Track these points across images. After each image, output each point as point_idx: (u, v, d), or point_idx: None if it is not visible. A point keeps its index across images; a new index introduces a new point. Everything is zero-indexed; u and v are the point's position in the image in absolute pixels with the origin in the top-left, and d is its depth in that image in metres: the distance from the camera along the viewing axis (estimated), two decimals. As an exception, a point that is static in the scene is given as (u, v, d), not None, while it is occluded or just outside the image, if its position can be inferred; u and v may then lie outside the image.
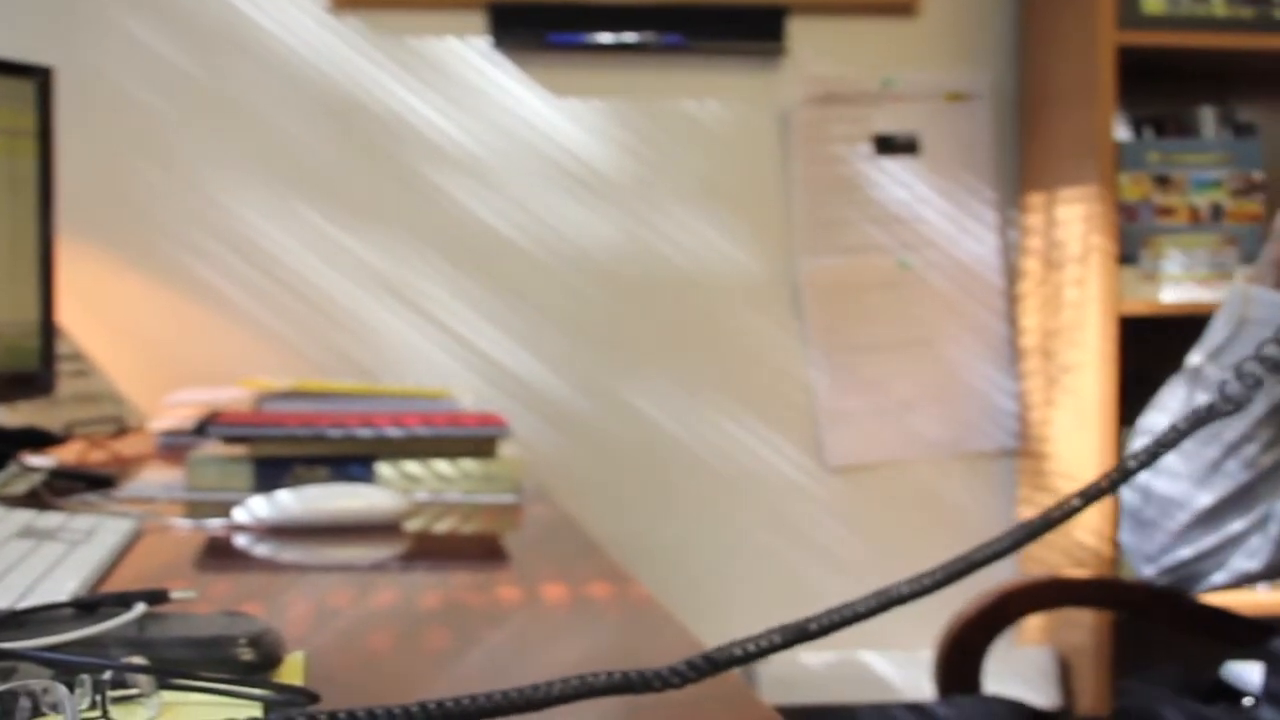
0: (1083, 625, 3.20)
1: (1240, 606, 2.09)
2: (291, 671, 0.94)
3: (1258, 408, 1.73)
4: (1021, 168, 3.51)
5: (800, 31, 3.40)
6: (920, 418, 3.47)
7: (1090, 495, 1.18)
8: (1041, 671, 3.29)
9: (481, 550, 1.72)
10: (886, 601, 0.98)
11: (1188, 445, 1.69)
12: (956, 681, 2.03)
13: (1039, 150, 3.44)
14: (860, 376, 3.44)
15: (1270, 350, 1.39)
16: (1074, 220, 3.23)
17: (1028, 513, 3.41)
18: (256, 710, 0.81)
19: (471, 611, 1.26)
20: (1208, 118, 3.41)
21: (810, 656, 3.32)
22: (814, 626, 0.94)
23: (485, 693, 0.79)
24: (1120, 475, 1.23)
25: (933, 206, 3.47)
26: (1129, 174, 3.26)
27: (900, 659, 3.31)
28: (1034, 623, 3.45)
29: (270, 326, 3.26)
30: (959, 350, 3.49)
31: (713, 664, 0.88)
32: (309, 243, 3.27)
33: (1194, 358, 1.81)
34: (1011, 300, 3.50)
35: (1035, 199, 3.43)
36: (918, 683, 3.25)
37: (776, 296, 3.43)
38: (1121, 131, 3.29)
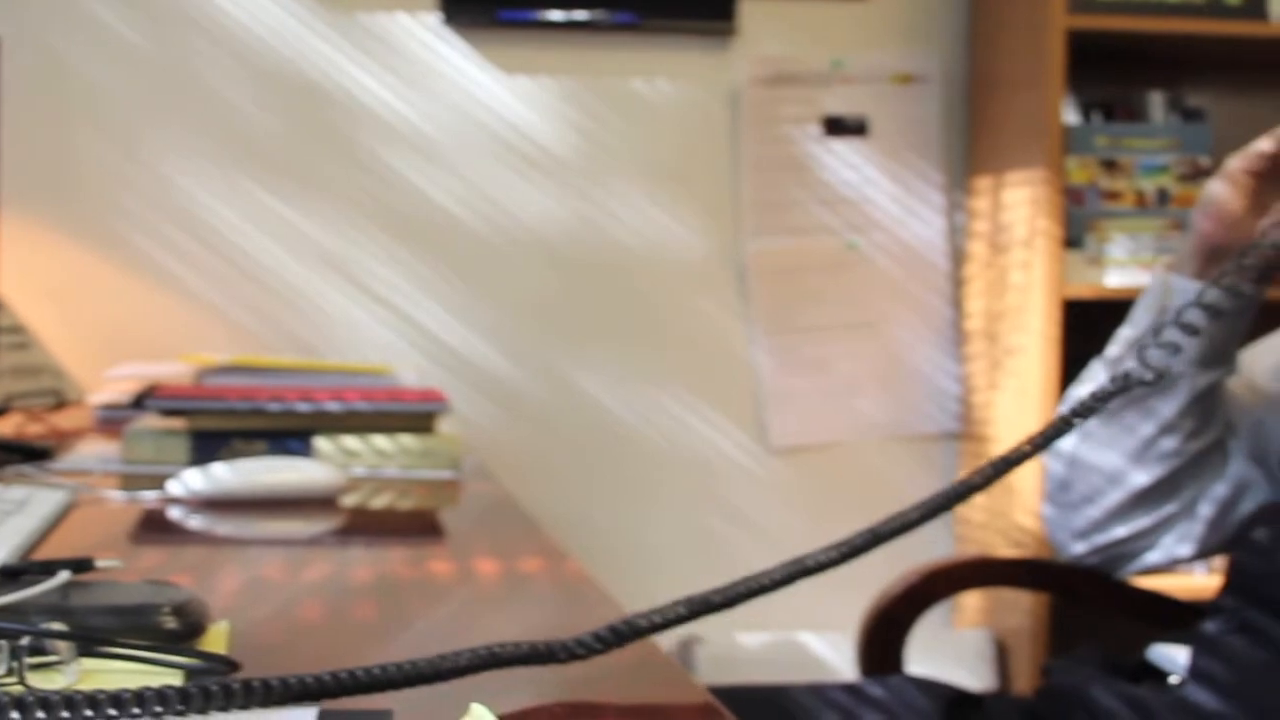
0: (1019, 608, 3.21)
1: (1172, 590, 2.10)
2: (215, 641, 0.93)
3: (1181, 395, 1.73)
4: (969, 151, 3.51)
5: (751, 12, 3.40)
6: (864, 400, 3.48)
7: (1005, 465, 1.19)
8: (978, 654, 3.30)
9: (417, 525, 1.71)
10: (793, 573, 0.98)
11: (1125, 419, 1.69)
12: (880, 661, 2.04)
13: (987, 133, 3.44)
14: (805, 358, 3.45)
15: (1190, 316, 1.40)
16: (1020, 204, 3.24)
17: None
18: (175, 678, 0.80)
19: (402, 585, 1.26)
20: (1157, 102, 3.42)
21: (748, 637, 3.33)
22: (719, 598, 0.94)
23: (394, 663, 0.78)
24: (1034, 445, 1.24)
25: (880, 188, 3.48)
26: (1076, 158, 3.27)
27: (837, 640, 3.32)
28: (971, 605, 3.46)
29: (214, 302, 3.24)
30: (904, 332, 3.49)
31: (619, 635, 0.87)
32: (255, 218, 3.25)
33: (1115, 346, 1.82)
34: (957, 283, 3.51)
35: (982, 182, 3.43)
36: (854, 663, 3.26)
37: (723, 277, 3.43)
38: (1070, 115, 3.30)
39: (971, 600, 3.46)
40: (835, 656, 3.34)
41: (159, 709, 0.68)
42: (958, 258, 3.52)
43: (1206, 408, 1.78)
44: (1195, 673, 1.52)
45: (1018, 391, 3.23)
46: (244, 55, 3.24)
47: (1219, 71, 3.53)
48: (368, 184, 3.29)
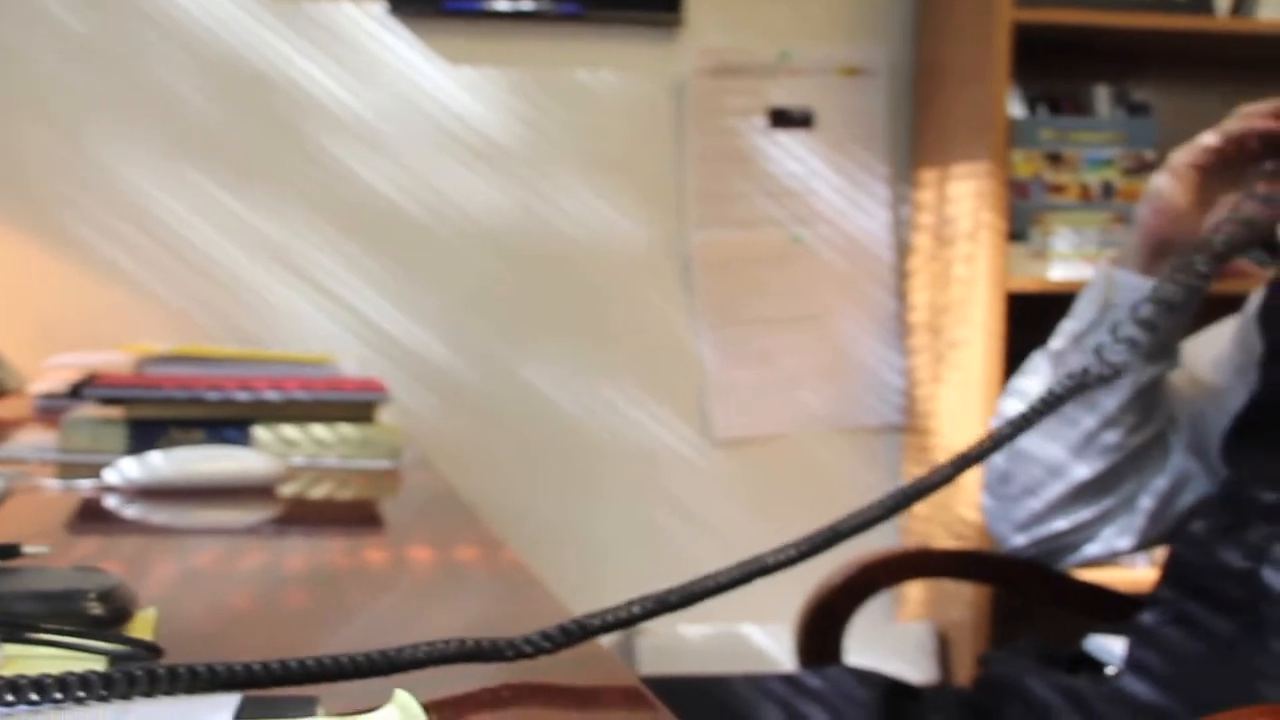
0: (961, 600, 3.22)
1: (1113, 582, 2.10)
2: (142, 627, 0.92)
3: (1125, 389, 1.74)
4: (915, 144, 3.52)
5: (697, 3, 3.40)
6: (808, 392, 3.48)
7: (964, 462, 1.19)
8: (920, 646, 3.31)
9: (354, 515, 1.70)
10: (750, 572, 0.98)
11: (1067, 412, 1.70)
12: (818, 653, 2.03)
13: (933, 126, 3.45)
14: (749, 350, 3.45)
15: (1145, 312, 1.40)
16: (965, 197, 3.25)
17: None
18: (99, 663, 0.79)
19: (336, 574, 1.25)
20: (1102, 96, 3.44)
21: (689, 628, 3.33)
22: (674, 598, 0.93)
23: (330, 655, 0.78)
24: (994, 442, 1.23)
25: (826, 181, 3.48)
26: (1021, 151, 3.28)
27: (778, 631, 3.32)
28: (914, 598, 3.47)
29: (156, 292, 3.22)
30: (848, 325, 3.50)
31: (569, 635, 0.87)
32: (199, 208, 3.23)
33: (1058, 339, 1.82)
34: (901, 276, 3.52)
35: (928, 175, 3.44)
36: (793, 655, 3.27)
37: (667, 269, 3.42)
38: (1015, 109, 3.31)
39: (913, 593, 3.47)
40: (777, 648, 3.34)
41: (81, 694, 0.67)
42: (902, 250, 3.53)
43: (1149, 401, 1.78)
44: (1132, 664, 1.52)
45: (961, 384, 3.24)
46: (189, 44, 3.22)
47: (1165, 66, 3.54)
48: (312, 174, 3.28)
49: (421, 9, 3.31)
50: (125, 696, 0.69)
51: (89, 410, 1.98)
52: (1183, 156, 1.69)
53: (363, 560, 1.32)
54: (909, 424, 3.50)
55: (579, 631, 0.88)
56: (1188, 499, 1.84)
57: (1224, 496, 1.63)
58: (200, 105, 3.23)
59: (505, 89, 3.36)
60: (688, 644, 3.32)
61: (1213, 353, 1.84)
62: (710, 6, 3.42)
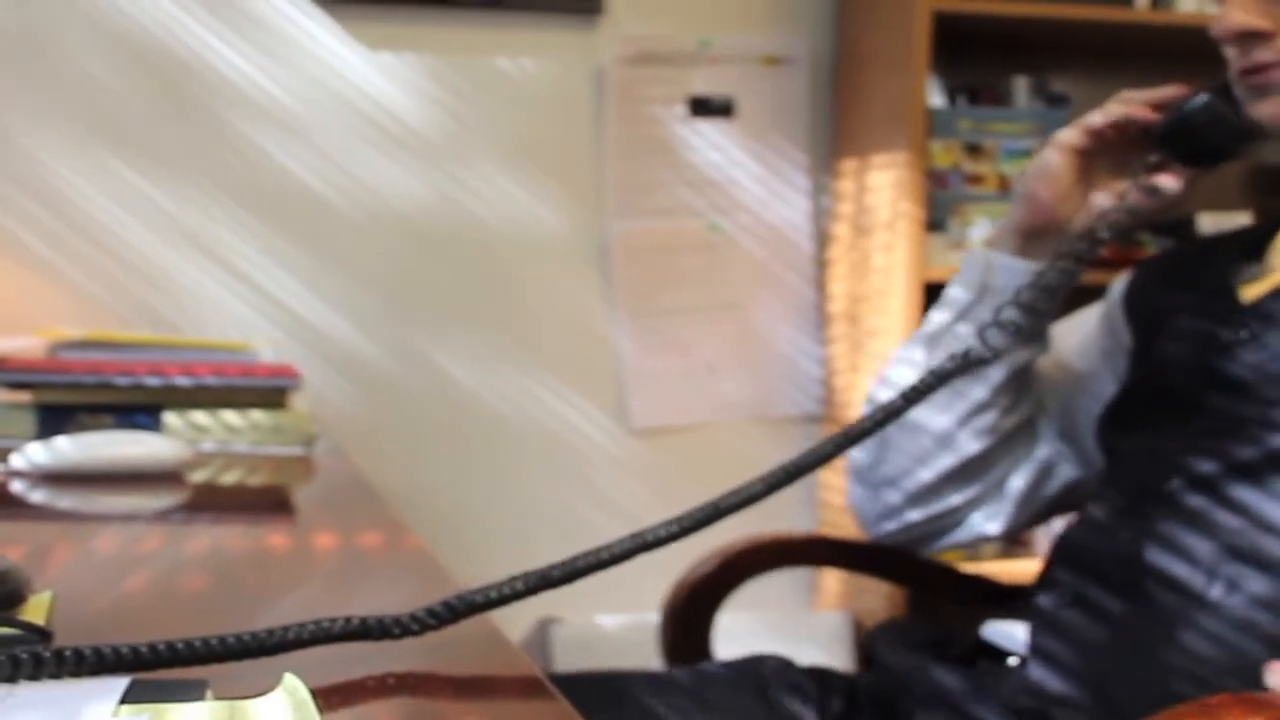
0: (879, 591, 3.23)
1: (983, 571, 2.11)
2: (35, 611, 0.92)
3: (999, 374, 1.74)
4: (835, 133, 3.53)
5: (618, -10, 3.40)
6: (725, 381, 3.48)
7: (847, 439, 1.20)
8: (837, 636, 3.32)
9: (262, 502, 1.70)
10: (633, 548, 0.98)
11: (939, 398, 1.70)
12: (684, 649, 2.00)
13: (853, 116, 3.46)
14: (666, 339, 3.44)
15: (1029, 296, 1.41)
16: (884, 186, 3.25)
17: (826, 479, 3.43)
18: (-14, 648, 0.79)
19: (237, 560, 1.24)
20: (1021, 87, 3.45)
21: (606, 619, 3.32)
22: (557, 573, 0.93)
23: (216, 636, 0.77)
24: (882, 416, 1.24)
25: (746, 170, 3.48)
26: (940, 141, 3.29)
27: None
28: (832, 588, 3.47)
29: (71, 277, 3.19)
30: (767, 315, 3.50)
31: (453, 611, 0.87)
32: (114, 192, 3.20)
33: (933, 323, 1.82)
34: (821, 265, 3.52)
35: (848, 164, 3.45)
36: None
37: (585, 257, 3.42)
38: (935, 98, 3.32)
39: (830, 583, 3.48)
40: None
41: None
42: (822, 240, 3.53)
43: (1022, 385, 1.79)
44: (1036, 650, 1.52)
45: (878, 374, 3.24)
46: (105, 27, 3.19)
47: (1084, 57, 3.56)
48: (229, 159, 3.25)
49: (341, -6, 3.29)
50: (11, 680, 0.68)
51: (-3, 395, 1.97)
52: (1062, 140, 1.70)
53: (266, 546, 1.31)
54: (827, 413, 3.50)
55: (463, 607, 0.87)
56: (1055, 484, 1.85)
57: (1109, 480, 1.64)
58: (115, 89, 3.20)
59: (424, 75, 3.34)
60: (604, 634, 3.31)
61: (1077, 338, 1.85)
62: (631, -6, 3.42)
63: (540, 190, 3.37)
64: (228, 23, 3.23)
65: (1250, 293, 1.54)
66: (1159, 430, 1.55)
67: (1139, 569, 1.44)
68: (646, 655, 3.20)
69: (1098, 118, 1.67)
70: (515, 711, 0.82)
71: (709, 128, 3.47)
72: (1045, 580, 1.58)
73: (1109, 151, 1.68)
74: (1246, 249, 1.61)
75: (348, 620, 0.82)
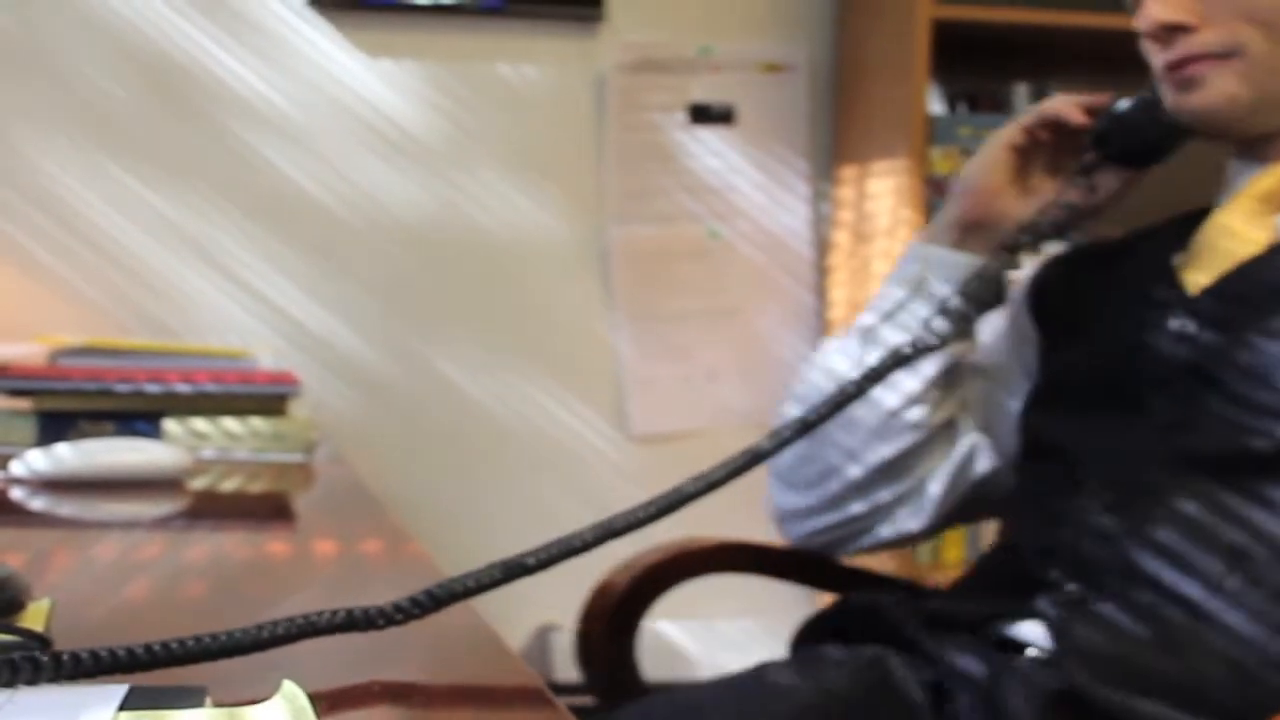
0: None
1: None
2: (34, 618, 0.91)
3: (932, 367, 1.74)
4: (835, 140, 3.53)
5: (618, -2, 3.40)
6: (725, 387, 3.48)
7: (807, 425, 1.21)
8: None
9: (262, 509, 1.70)
10: (604, 534, 0.99)
11: (872, 392, 1.68)
12: (607, 660, 1.96)
13: (853, 123, 3.46)
14: (667, 345, 3.45)
15: (972, 287, 1.42)
16: (884, 193, 3.25)
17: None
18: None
19: (237, 567, 1.24)
20: (1020, 94, 3.45)
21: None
22: (532, 560, 0.94)
23: (207, 634, 0.77)
24: (839, 401, 1.25)
25: (745, 177, 3.49)
26: (940, 148, 3.29)
27: (694, 629, 3.31)
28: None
29: (72, 284, 3.19)
30: (766, 321, 3.50)
31: (435, 600, 0.87)
32: (115, 199, 3.21)
33: (868, 316, 1.81)
34: (820, 272, 3.52)
35: (847, 172, 3.45)
36: (714, 655, 3.26)
37: (586, 264, 3.42)
38: (935, 105, 3.32)
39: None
40: (694, 646, 3.33)
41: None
42: (822, 247, 3.53)
43: (951, 380, 1.79)
44: (1061, 644, 1.47)
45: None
46: (108, 36, 3.19)
47: (1083, 63, 3.55)
48: (230, 166, 3.26)
49: (341, 1, 3.29)
50: (9, 685, 0.68)
51: (-3, 402, 1.97)
52: (999, 138, 1.71)
53: (266, 554, 1.31)
54: (827, 420, 3.50)
55: (444, 595, 0.88)
56: (973, 477, 1.83)
57: (1067, 472, 1.62)
58: (118, 97, 3.21)
59: (425, 83, 3.35)
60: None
61: (988, 333, 1.85)
62: (631, 2, 3.41)
63: (541, 196, 3.37)
64: (228, 30, 3.24)
65: (1194, 282, 1.53)
66: (1109, 419, 1.54)
67: (1139, 567, 1.43)
68: (653, 661, 3.20)
69: (1031, 117, 1.69)
70: (514, 718, 0.82)
71: (709, 134, 3.47)
72: (1036, 583, 1.55)
73: (1043, 152, 1.70)
74: (1175, 237, 1.62)
75: (334, 613, 0.82)
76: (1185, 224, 1.62)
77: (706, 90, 3.48)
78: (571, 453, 3.42)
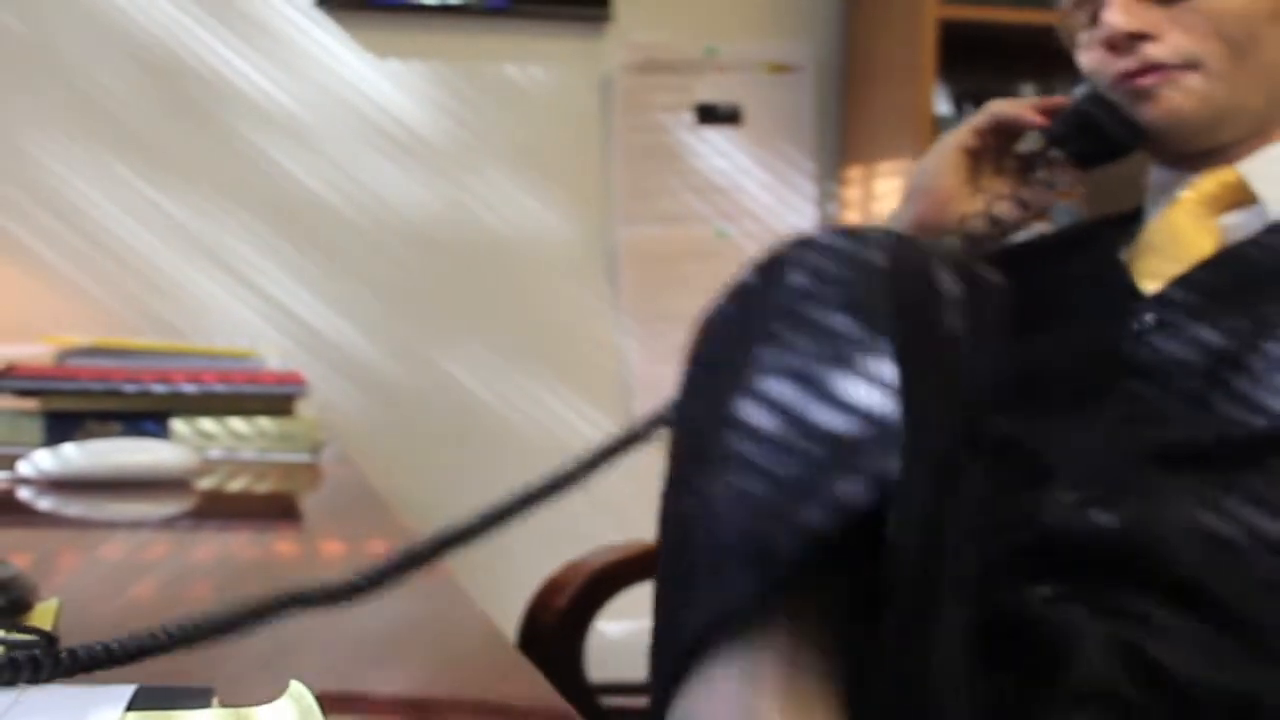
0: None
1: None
2: (42, 618, 0.92)
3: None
4: (842, 140, 3.52)
5: (625, -2, 3.40)
6: (732, 388, 3.48)
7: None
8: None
9: (269, 509, 1.70)
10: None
11: None
12: (556, 667, 1.95)
13: (860, 123, 3.46)
14: (673, 345, 3.42)
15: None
16: (891, 193, 3.25)
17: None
18: (-7, 653, 0.79)
19: (243, 567, 1.24)
20: (1027, 94, 3.45)
21: (608, 626, 3.30)
22: (476, 523, 0.97)
23: (177, 621, 0.78)
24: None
25: (752, 177, 3.48)
26: (946, 149, 3.28)
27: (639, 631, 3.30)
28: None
29: (80, 284, 3.20)
30: (774, 321, 3.49)
31: (397, 567, 0.89)
32: (123, 200, 3.21)
33: None
34: (828, 273, 3.52)
35: (854, 172, 3.45)
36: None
37: (593, 264, 3.42)
38: (942, 106, 3.32)
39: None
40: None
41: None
42: (829, 247, 3.53)
43: None
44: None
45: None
46: (114, 36, 3.19)
47: (1087, 65, 3.56)
48: (237, 167, 3.26)
49: (348, 2, 3.29)
50: (11, 683, 0.69)
51: (5, 402, 1.97)
52: (952, 139, 1.71)
53: (272, 553, 1.31)
54: (834, 420, 3.50)
55: (404, 561, 0.90)
56: None
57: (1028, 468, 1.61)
58: (125, 97, 3.21)
59: (432, 83, 3.35)
60: (607, 642, 3.29)
61: None
62: (638, 2, 3.41)
63: (547, 197, 3.37)
64: (236, 30, 3.24)
65: (1149, 280, 1.53)
66: (1072, 417, 1.54)
67: (1142, 555, 1.42)
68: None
69: (983, 119, 1.69)
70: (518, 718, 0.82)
71: (716, 135, 3.47)
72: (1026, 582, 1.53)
73: (991, 155, 1.71)
74: (1119, 237, 1.62)
75: (294, 592, 0.84)
76: (1122, 224, 1.63)
77: (713, 91, 3.48)
78: (578, 453, 3.41)
